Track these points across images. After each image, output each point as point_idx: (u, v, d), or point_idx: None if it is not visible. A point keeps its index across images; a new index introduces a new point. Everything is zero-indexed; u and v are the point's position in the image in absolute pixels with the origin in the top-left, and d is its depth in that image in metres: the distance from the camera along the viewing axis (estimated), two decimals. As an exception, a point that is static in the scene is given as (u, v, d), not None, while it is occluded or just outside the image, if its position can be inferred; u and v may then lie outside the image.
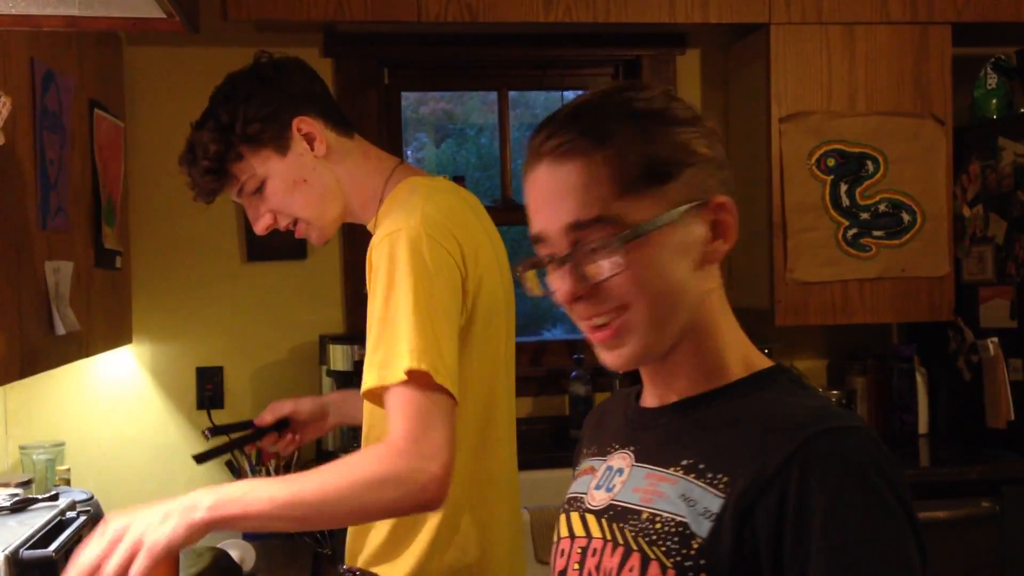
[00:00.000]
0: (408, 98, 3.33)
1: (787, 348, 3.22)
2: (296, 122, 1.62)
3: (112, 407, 2.91)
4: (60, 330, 2.01)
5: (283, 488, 1.33)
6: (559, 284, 0.99)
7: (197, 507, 1.29)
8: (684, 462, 0.97)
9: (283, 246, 2.98)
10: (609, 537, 0.99)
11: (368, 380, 1.39)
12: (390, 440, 1.35)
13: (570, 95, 3.46)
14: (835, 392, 3.13)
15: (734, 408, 0.98)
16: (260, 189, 1.66)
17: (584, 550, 1.02)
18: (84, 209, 2.30)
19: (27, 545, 1.76)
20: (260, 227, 1.71)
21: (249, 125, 1.60)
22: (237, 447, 1.99)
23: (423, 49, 3.14)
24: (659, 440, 1.02)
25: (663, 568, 0.92)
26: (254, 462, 2.66)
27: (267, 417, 1.92)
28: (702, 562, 0.90)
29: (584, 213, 0.96)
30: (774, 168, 2.96)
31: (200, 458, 1.85)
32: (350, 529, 1.66)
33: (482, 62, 3.26)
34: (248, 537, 2.36)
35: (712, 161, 0.99)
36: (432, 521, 1.54)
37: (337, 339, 2.83)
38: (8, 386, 2.73)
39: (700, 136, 0.99)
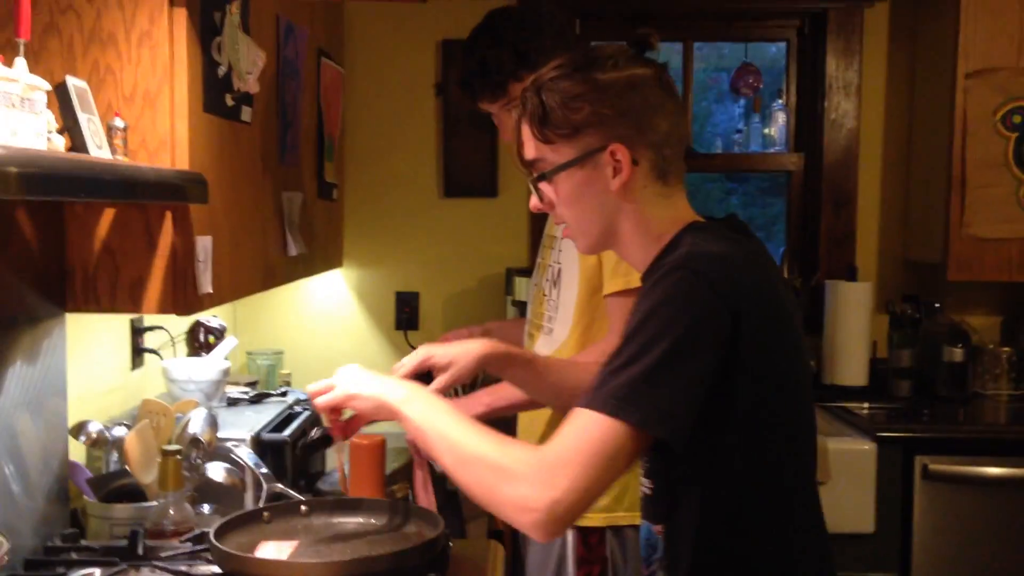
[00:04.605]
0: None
1: (959, 303, 3.26)
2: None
3: (323, 322, 3.29)
4: (292, 251, 2.34)
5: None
6: (532, 198, 1.42)
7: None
8: None
9: (477, 184, 3.26)
10: None
11: None
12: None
13: (755, 46, 3.55)
14: (1006, 349, 3.16)
15: (663, 262, 1.30)
16: None
17: None
18: (311, 146, 2.62)
19: (266, 430, 2.11)
20: (510, 137, 1.96)
21: (538, 55, 1.84)
22: None
23: (613, 1, 3.30)
24: None
25: None
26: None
27: (452, 341, 2.19)
28: None
29: (527, 154, 1.39)
30: (956, 123, 2.98)
31: None
32: None
33: (669, 13, 3.39)
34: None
35: (617, 118, 1.32)
36: None
37: (522, 272, 3.08)
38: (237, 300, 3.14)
39: (604, 101, 1.32)
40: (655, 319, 1.20)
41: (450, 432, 1.28)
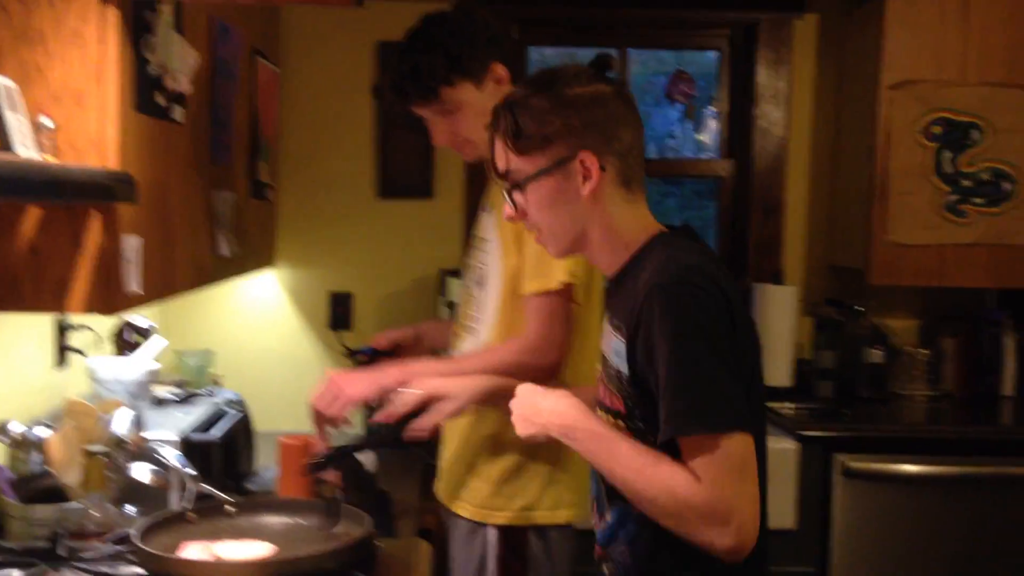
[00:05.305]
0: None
1: (880, 306, 3.35)
2: (492, 65, 1.94)
3: (255, 322, 3.27)
4: (223, 251, 2.33)
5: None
6: (507, 207, 1.50)
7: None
8: (614, 321, 1.43)
9: (412, 185, 3.27)
10: (604, 380, 1.46)
11: None
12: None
13: (688, 54, 3.62)
14: (924, 351, 3.27)
15: (638, 268, 1.40)
16: (451, 111, 1.94)
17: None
18: (244, 146, 2.61)
19: (194, 430, 2.10)
20: (440, 141, 2.03)
21: (471, 62, 1.91)
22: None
23: (551, 7, 3.35)
24: (609, 306, 1.49)
25: (615, 399, 1.41)
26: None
27: (382, 341, 2.24)
28: (629, 390, 1.37)
29: (501, 166, 1.48)
30: (880, 133, 3.07)
31: None
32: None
33: (606, 21, 3.44)
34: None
35: (584, 129, 1.42)
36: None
37: (455, 273, 3.10)
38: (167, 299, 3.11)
39: (572, 114, 1.42)
40: (686, 329, 1.29)
41: (614, 472, 1.36)
